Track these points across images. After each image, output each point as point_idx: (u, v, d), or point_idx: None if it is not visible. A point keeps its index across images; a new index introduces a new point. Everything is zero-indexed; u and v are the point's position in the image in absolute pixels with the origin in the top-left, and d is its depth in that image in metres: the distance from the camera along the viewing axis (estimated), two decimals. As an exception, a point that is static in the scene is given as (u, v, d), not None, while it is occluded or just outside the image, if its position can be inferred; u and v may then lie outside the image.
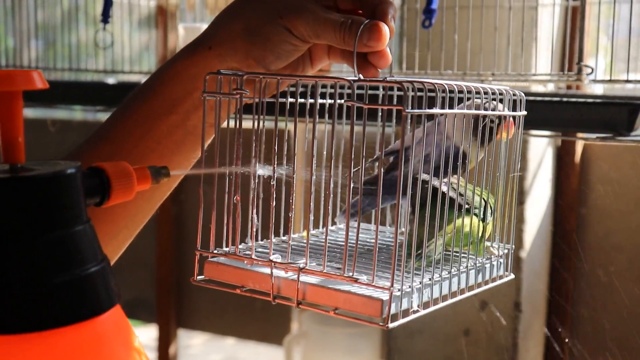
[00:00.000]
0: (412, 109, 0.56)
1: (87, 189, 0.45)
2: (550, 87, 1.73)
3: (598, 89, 1.68)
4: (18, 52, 2.04)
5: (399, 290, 0.58)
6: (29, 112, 2.30)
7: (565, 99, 1.34)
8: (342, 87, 0.73)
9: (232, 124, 0.66)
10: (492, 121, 0.68)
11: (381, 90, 0.74)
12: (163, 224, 2.50)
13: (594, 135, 1.30)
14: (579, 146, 1.90)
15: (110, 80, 2.09)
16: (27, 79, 0.42)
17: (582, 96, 1.42)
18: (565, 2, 1.67)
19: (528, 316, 1.88)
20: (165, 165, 0.53)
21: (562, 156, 1.92)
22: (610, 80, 1.42)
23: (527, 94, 0.73)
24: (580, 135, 1.63)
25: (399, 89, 0.70)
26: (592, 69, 1.36)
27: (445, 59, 1.55)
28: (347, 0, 0.70)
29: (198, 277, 0.66)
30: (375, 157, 0.73)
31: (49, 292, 0.41)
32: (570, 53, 1.61)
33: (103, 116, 2.32)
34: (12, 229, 0.41)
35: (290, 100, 0.68)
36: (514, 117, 0.71)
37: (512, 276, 0.72)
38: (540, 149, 1.86)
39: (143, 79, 2.11)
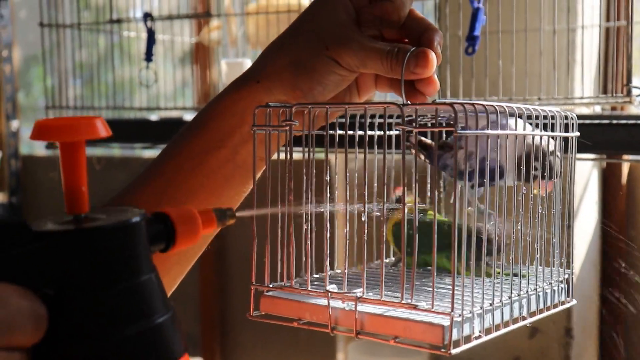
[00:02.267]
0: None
1: (151, 235, 0.44)
2: (595, 110, 1.71)
3: (642, 110, 1.66)
4: (57, 91, 2.07)
5: (459, 315, 0.57)
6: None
7: (614, 121, 1.32)
8: (390, 116, 0.72)
9: (282, 156, 0.66)
10: (535, 169, 0.67)
11: (432, 114, 0.74)
12: (205, 257, 2.51)
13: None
14: (625, 168, 1.87)
15: (153, 117, 2.11)
16: (91, 128, 0.41)
17: (632, 117, 1.40)
18: (606, 23, 1.66)
19: (580, 342, 1.85)
20: (230, 207, 0.51)
21: (608, 178, 1.90)
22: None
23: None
24: (627, 157, 1.60)
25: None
26: (642, 90, 1.34)
27: (489, 85, 1.54)
28: (393, 29, 0.70)
29: (254, 312, 0.66)
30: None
31: (120, 344, 0.40)
32: (615, 74, 1.59)
33: (146, 152, 2.35)
34: (78, 281, 0.40)
35: (340, 132, 0.68)
36: (565, 141, 0.70)
37: (575, 302, 0.70)
38: (586, 171, 1.84)
39: (184, 114, 2.13)
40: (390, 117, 0.72)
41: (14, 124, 2.67)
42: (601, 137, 1.37)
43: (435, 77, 0.66)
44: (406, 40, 0.70)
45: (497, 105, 0.59)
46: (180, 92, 2.40)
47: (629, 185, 1.88)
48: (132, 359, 0.41)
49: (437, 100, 0.58)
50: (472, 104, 0.57)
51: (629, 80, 1.37)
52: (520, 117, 0.64)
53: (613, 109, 1.79)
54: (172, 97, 2.19)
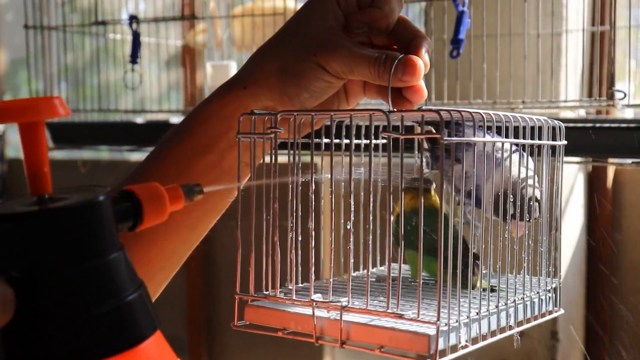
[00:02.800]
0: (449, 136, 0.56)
1: (118, 213, 0.43)
2: (580, 113, 1.72)
3: (628, 114, 1.67)
4: (44, 94, 2.06)
5: (445, 324, 0.57)
6: (59, 154, 2.31)
7: (598, 125, 1.32)
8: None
9: (267, 159, 0.65)
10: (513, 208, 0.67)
11: (414, 120, 0.74)
12: (192, 262, 2.50)
13: (629, 160, 1.29)
14: (611, 171, 1.87)
15: (139, 119, 2.11)
16: (50, 108, 0.41)
17: (616, 121, 1.40)
18: (591, 27, 1.66)
19: (565, 345, 1.85)
20: (198, 183, 0.50)
21: (594, 182, 1.90)
22: (643, 104, 1.41)
23: (560, 120, 0.72)
24: (612, 160, 1.61)
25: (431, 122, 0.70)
26: (625, 94, 1.34)
27: (474, 88, 1.54)
28: (381, 35, 0.69)
29: (238, 322, 0.65)
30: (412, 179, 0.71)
31: (90, 323, 0.40)
32: (600, 78, 1.60)
33: (132, 155, 2.34)
34: (45, 262, 0.39)
35: (326, 140, 0.68)
36: (552, 148, 0.70)
37: (562, 311, 0.70)
38: (571, 175, 1.84)
39: (171, 117, 2.12)
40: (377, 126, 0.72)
41: (0, 128, 2.66)
42: (586, 140, 1.38)
43: (423, 84, 0.66)
44: (395, 47, 0.69)
45: (483, 113, 0.59)
46: (166, 95, 2.40)
47: (614, 188, 1.89)
48: (103, 338, 0.40)
49: (424, 107, 0.58)
50: (459, 111, 0.57)
51: (612, 84, 1.38)
52: (507, 126, 0.63)
53: (598, 112, 1.80)
54: (158, 100, 2.19)
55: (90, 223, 0.41)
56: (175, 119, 2.14)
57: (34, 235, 0.39)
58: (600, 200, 1.89)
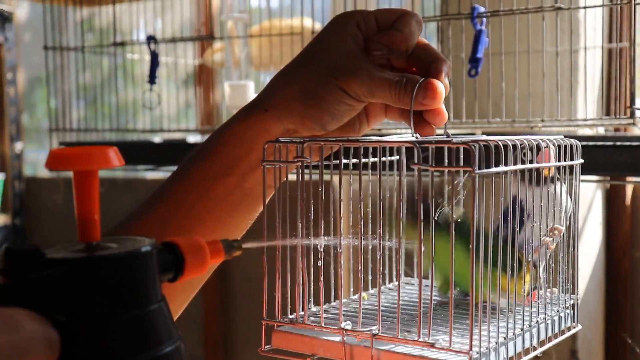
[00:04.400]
0: (480, 169, 0.56)
1: (161, 265, 0.45)
2: (598, 131, 1.71)
3: (645, 132, 1.66)
4: (61, 113, 2.08)
5: (477, 353, 0.57)
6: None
7: (619, 143, 1.32)
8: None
9: (291, 177, 0.66)
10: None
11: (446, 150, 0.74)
12: (209, 280, 2.49)
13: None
14: (629, 189, 1.87)
15: (156, 139, 2.11)
16: (104, 158, 0.42)
17: (636, 139, 1.40)
18: (609, 44, 1.66)
19: (585, 364, 1.84)
20: (237, 239, 0.52)
21: (612, 199, 1.89)
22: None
23: (578, 138, 0.72)
24: (631, 178, 1.60)
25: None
26: (646, 112, 1.34)
27: (492, 107, 1.54)
28: (401, 58, 0.70)
29: (265, 347, 0.65)
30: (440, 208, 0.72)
31: None
32: (618, 95, 1.59)
33: (149, 174, 2.35)
34: (89, 309, 0.40)
35: (346, 160, 0.68)
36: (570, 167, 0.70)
37: (580, 327, 0.70)
38: (590, 192, 1.84)
39: (187, 136, 2.13)
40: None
41: (18, 146, 2.67)
42: (604, 158, 1.37)
43: (443, 107, 0.66)
44: (414, 69, 0.70)
45: (509, 141, 0.59)
46: (183, 114, 2.41)
47: (633, 206, 1.88)
48: None
49: (454, 140, 0.58)
50: (488, 141, 0.57)
51: (632, 102, 1.37)
52: (531, 150, 0.63)
53: (616, 130, 1.79)
54: (175, 119, 2.20)
55: (135, 273, 0.42)
56: (192, 138, 2.15)
57: (81, 282, 0.40)
58: (618, 218, 1.88)
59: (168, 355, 0.42)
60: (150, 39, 1.89)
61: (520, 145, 0.61)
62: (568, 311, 0.70)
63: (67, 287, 0.40)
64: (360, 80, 0.67)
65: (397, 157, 0.74)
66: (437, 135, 0.66)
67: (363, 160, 0.68)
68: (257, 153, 0.68)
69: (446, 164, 0.65)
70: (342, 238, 0.62)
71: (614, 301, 1.90)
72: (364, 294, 0.73)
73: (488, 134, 0.62)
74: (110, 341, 0.41)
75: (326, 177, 0.65)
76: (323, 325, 0.62)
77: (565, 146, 0.69)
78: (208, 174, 0.74)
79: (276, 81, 0.73)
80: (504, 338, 0.61)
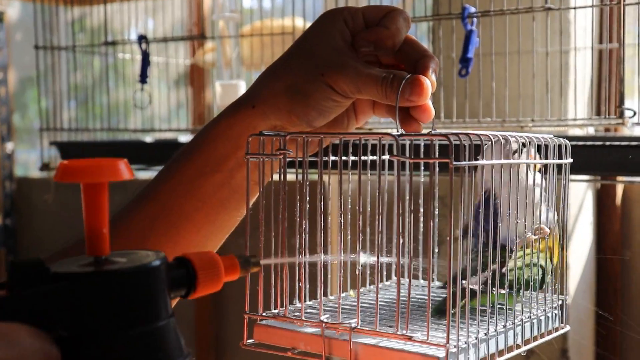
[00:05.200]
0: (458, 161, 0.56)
1: (172, 280, 0.44)
2: (588, 131, 1.72)
3: (636, 132, 1.66)
4: (52, 113, 2.08)
5: (454, 347, 0.57)
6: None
7: (608, 143, 1.32)
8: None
9: (275, 177, 0.66)
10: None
11: (422, 142, 0.74)
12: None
13: (639, 179, 1.28)
14: (620, 189, 1.87)
15: (148, 138, 2.11)
16: (114, 170, 0.41)
17: (626, 139, 1.40)
18: (599, 45, 1.66)
19: (576, 365, 1.84)
20: (254, 254, 0.50)
21: (603, 199, 1.90)
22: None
23: (568, 138, 0.72)
24: (621, 178, 1.60)
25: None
26: (635, 112, 1.34)
27: (483, 107, 1.54)
28: (388, 55, 0.70)
29: (248, 341, 0.65)
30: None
31: None
32: (608, 96, 1.60)
33: (141, 174, 2.34)
34: (94, 324, 0.40)
35: (333, 158, 0.68)
36: (559, 167, 0.70)
37: (568, 328, 0.70)
38: (580, 192, 1.84)
39: (178, 136, 2.13)
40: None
41: (9, 146, 2.67)
42: (595, 158, 1.37)
43: (430, 104, 0.66)
44: (403, 66, 0.70)
45: (491, 135, 0.59)
46: (174, 114, 2.40)
47: (623, 206, 1.88)
48: None
49: (433, 131, 0.58)
50: (467, 134, 0.57)
51: (622, 102, 1.37)
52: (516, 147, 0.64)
53: (606, 130, 1.79)
54: (167, 119, 2.19)
55: (143, 288, 0.41)
56: (184, 138, 2.14)
57: (86, 296, 0.40)
58: (609, 218, 1.89)
59: None
60: (142, 38, 1.89)
61: (503, 140, 0.61)
62: (556, 311, 0.70)
63: (71, 301, 0.39)
64: (347, 77, 0.67)
65: (388, 156, 0.74)
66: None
67: (353, 158, 0.68)
68: (244, 149, 0.69)
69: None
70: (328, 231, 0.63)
71: (605, 300, 1.91)
72: (350, 292, 0.73)
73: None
74: (115, 358, 0.40)
75: (313, 177, 0.65)
76: (303, 318, 0.62)
77: (554, 145, 0.69)
78: (195, 172, 0.74)
79: (263, 77, 0.73)
80: (485, 334, 0.61)
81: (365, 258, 0.62)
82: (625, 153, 1.32)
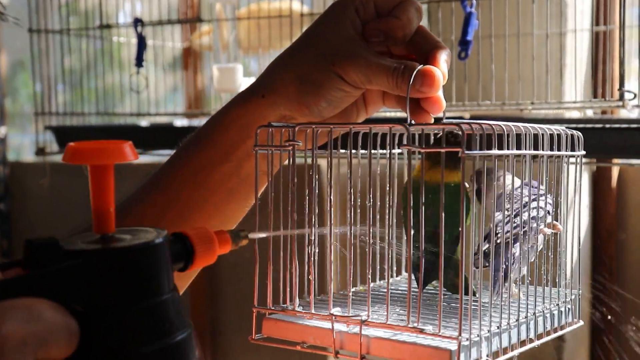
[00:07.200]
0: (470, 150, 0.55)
1: (172, 255, 0.46)
2: (586, 113, 1.71)
3: (633, 114, 1.66)
4: (46, 97, 2.06)
5: (467, 339, 0.56)
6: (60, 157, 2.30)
7: (606, 125, 1.32)
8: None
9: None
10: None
11: (434, 132, 0.73)
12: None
13: (638, 161, 1.28)
14: (615, 171, 1.87)
15: (143, 122, 2.10)
16: (120, 153, 0.43)
17: (626, 121, 1.40)
18: (597, 27, 1.66)
19: (572, 346, 1.85)
20: (243, 229, 0.53)
21: (598, 182, 1.90)
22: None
23: (566, 120, 0.71)
24: (618, 160, 1.60)
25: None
26: (635, 95, 1.33)
27: (482, 90, 1.54)
28: (399, 45, 0.69)
29: (256, 336, 0.65)
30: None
31: None
32: (604, 78, 1.59)
33: (140, 158, 2.33)
34: (105, 299, 0.42)
35: (342, 151, 0.67)
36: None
37: (582, 323, 0.70)
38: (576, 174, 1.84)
39: (173, 120, 2.11)
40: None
41: (2, 130, 2.64)
42: (592, 140, 1.37)
43: (441, 95, 0.65)
44: (414, 57, 0.69)
45: (504, 125, 0.59)
46: (170, 98, 2.39)
47: (619, 188, 1.88)
48: None
49: (445, 120, 0.57)
50: (480, 124, 0.56)
51: (622, 84, 1.37)
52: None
53: (603, 112, 1.79)
54: (162, 103, 2.18)
55: (150, 263, 0.43)
56: (179, 122, 2.13)
57: (98, 272, 0.42)
58: (604, 200, 1.89)
59: (181, 343, 0.44)
60: (137, 21, 1.87)
61: (516, 131, 0.61)
62: (569, 306, 0.70)
63: (84, 278, 0.42)
64: (358, 67, 0.66)
65: (400, 150, 0.73)
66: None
67: (362, 151, 0.67)
68: (253, 139, 0.68)
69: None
70: (332, 225, 0.62)
71: (600, 282, 1.91)
72: (360, 287, 0.73)
73: (477, 117, 0.62)
74: (126, 330, 0.42)
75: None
76: (313, 311, 0.62)
77: (566, 136, 0.68)
78: (205, 162, 0.73)
79: (273, 67, 0.73)
80: (497, 327, 0.60)
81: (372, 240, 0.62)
82: (623, 135, 1.31)
